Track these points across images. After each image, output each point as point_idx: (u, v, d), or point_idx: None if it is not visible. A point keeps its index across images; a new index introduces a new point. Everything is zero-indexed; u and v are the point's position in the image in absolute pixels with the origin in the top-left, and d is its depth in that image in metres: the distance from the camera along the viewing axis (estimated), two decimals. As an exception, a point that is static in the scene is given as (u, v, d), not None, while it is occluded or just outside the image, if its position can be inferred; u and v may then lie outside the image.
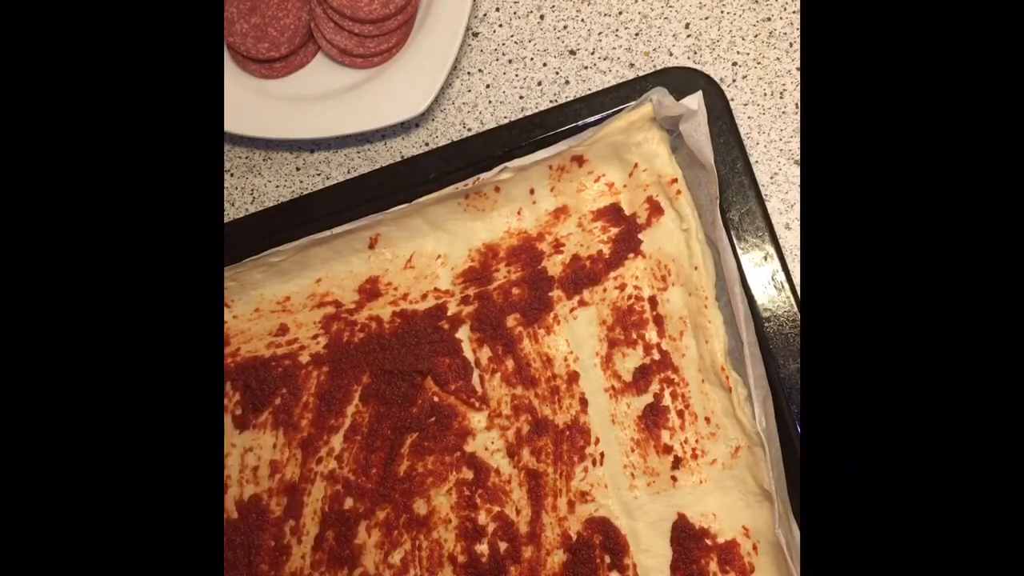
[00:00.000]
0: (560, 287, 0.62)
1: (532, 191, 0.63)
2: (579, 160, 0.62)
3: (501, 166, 0.61)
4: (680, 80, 0.61)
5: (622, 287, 0.61)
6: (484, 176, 0.61)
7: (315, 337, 0.64)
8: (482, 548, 0.60)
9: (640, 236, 0.62)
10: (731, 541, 0.57)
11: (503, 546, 0.60)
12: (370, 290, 0.64)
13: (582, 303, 0.62)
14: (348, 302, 0.65)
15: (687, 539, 0.57)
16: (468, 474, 0.61)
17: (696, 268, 0.60)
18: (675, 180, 0.61)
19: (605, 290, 0.62)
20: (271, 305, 0.65)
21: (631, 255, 0.62)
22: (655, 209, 0.61)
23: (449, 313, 0.63)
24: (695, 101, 0.59)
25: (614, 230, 0.62)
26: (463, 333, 0.63)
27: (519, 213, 0.64)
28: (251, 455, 0.64)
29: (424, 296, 0.64)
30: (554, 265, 0.63)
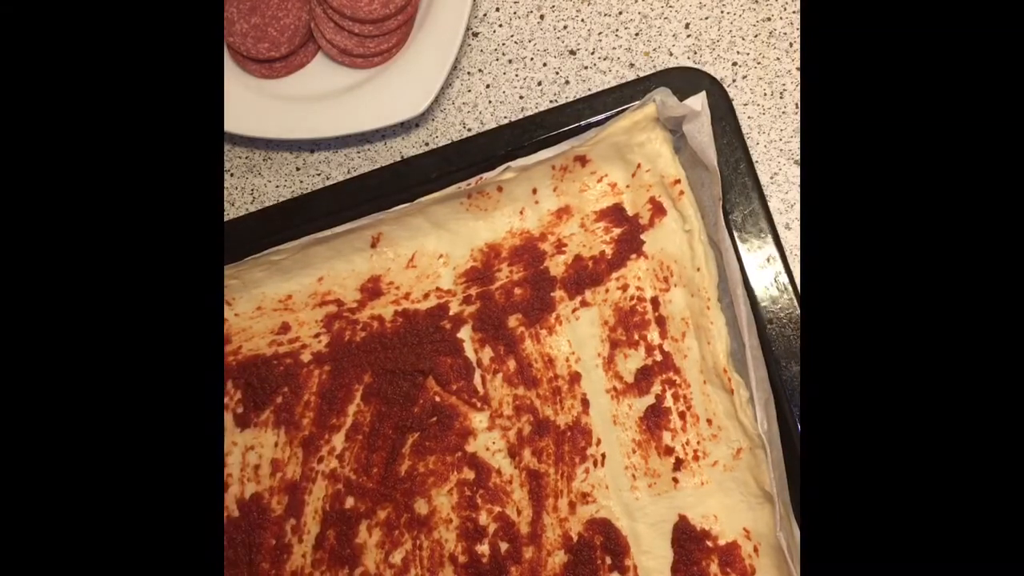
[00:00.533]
0: (562, 287, 0.62)
1: (535, 191, 0.63)
2: (582, 160, 0.62)
3: (504, 166, 0.61)
4: (683, 80, 0.61)
5: (624, 288, 0.61)
6: (487, 176, 0.61)
7: (317, 336, 0.64)
8: (483, 548, 0.60)
9: (642, 237, 0.61)
10: (732, 543, 0.57)
11: (504, 546, 0.59)
12: (372, 289, 0.64)
13: (584, 303, 0.62)
14: (350, 301, 0.64)
15: (688, 540, 0.57)
16: (469, 474, 0.61)
17: (698, 269, 0.59)
18: (678, 181, 0.61)
19: (607, 291, 0.61)
20: (273, 303, 0.65)
21: (633, 256, 0.61)
22: (658, 210, 0.61)
23: (451, 313, 0.63)
24: (699, 102, 0.59)
25: (616, 230, 0.62)
26: (465, 333, 0.63)
27: (521, 213, 0.64)
28: (252, 453, 0.64)
29: (426, 295, 0.64)
30: (556, 265, 0.62)
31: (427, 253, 0.64)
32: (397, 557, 0.60)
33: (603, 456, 0.60)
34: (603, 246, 0.62)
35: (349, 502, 0.62)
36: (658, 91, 0.60)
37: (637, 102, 0.60)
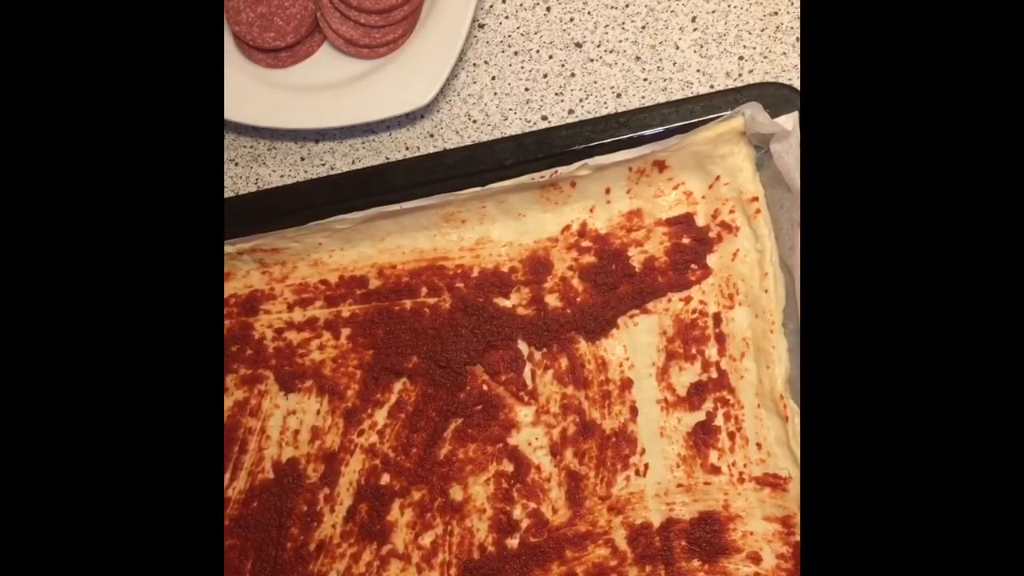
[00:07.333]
0: (624, 291, 0.61)
1: (608, 191, 0.62)
2: (660, 165, 0.61)
3: (581, 162, 0.60)
4: (776, 97, 0.59)
5: (687, 300, 0.60)
6: (563, 170, 0.60)
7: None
8: (513, 543, 0.59)
9: (712, 250, 0.60)
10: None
11: (534, 543, 0.59)
12: (432, 269, 0.64)
13: (644, 311, 0.61)
14: (408, 278, 0.64)
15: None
16: (508, 467, 0.60)
17: (766, 291, 0.58)
18: (756, 198, 0.59)
19: (670, 300, 0.61)
20: (330, 270, 0.65)
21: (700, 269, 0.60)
22: (731, 225, 0.60)
23: (509, 302, 0.62)
24: (790, 121, 0.57)
25: (686, 240, 0.61)
26: (520, 325, 0.62)
27: (591, 211, 0.62)
28: (293, 418, 0.63)
29: (485, 281, 0.63)
30: (621, 268, 0.61)
31: (491, 239, 0.63)
32: (427, 539, 0.60)
33: (646, 466, 0.59)
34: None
35: (385, 479, 0.61)
36: (748, 105, 0.58)
37: (726, 112, 0.59)
